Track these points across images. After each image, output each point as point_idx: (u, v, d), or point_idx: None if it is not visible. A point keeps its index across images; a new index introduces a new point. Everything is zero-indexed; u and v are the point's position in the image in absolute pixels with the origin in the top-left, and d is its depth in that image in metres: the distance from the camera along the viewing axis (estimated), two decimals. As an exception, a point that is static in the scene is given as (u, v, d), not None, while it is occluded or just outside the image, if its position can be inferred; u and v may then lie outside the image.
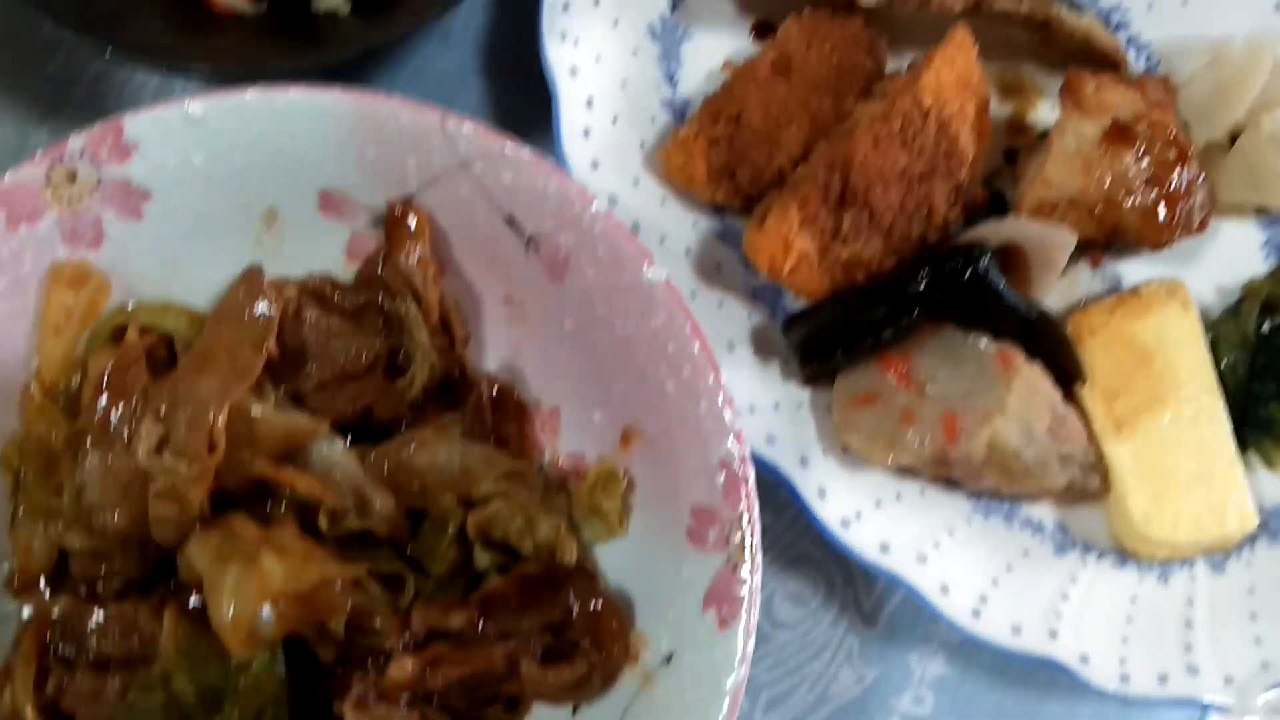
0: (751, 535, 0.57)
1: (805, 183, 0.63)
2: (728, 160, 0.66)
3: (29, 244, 0.61)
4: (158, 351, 0.63)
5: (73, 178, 0.61)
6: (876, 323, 0.63)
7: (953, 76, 0.65)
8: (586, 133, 0.67)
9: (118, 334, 0.64)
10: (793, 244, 0.62)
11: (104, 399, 0.61)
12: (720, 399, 0.58)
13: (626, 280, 0.60)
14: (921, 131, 0.64)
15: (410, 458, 0.61)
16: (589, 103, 0.67)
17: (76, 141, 0.60)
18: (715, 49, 0.73)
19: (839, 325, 0.64)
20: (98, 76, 0.74)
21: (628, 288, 0.61)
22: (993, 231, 0.64)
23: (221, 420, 0.58)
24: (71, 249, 0.62)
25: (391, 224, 0.64)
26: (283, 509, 0.59)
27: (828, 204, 0.63)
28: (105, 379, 0.61)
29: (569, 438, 0.65)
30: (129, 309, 0.64)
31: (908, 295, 0.63)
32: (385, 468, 0.61)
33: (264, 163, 0.63)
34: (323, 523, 0.58)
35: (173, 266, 0.65)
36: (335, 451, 0.61)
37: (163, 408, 0.59)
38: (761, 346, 0.66)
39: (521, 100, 0.74)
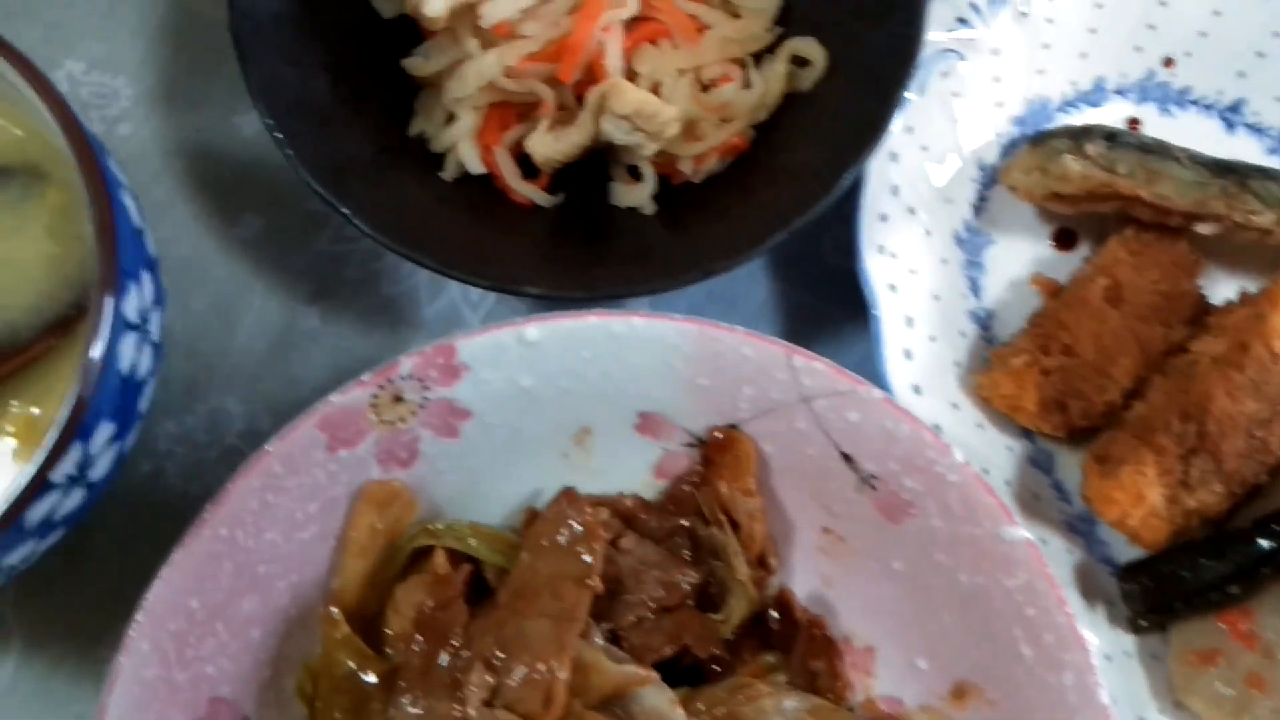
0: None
1: (1156, 431, 0.60)
2: (1060, 392, 0.63)
3: (346, 466, 0.58)
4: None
5: (398, 400, 0.58)
6: (1223, 577, 0.60)
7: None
8: (908, 354, 0.64)
9: (418, 553, 0.61)
10: (1146, 496, 0.59)
11: (420, 637, 0.57)
12: (1092, 677, 0.55)
13: (980, 534, 0.57)
14: (1271, 378, 0.61)
15: (739, 709, 0.58)
16: (909, 321, 0.64)
17: (406, 364, 0.57)
18: (1016, 255, 0.70)
19: (1181, 577, 0.61)
20: (368, 254, 0.70)
21: (980, 542, 0.57)
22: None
23: (563, 675, 0.54)
24: (384, 469, 0.59)
25: (714, 449, 0.61)
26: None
27: (1179, 454, 0.60)
28: (421, 615, 0.58)
29: (885, 680, 0.62)
30: (432, 528, 0.61)
31: (1259, 553, 0.60)
32: (713, 720, 0.57)
33: (590, 384, 0.60)
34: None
35: (476, 483, 0.62)
36: (662, 701, 0.57)
37: (492, 654, 0.56)
38: (1087, 587, 0.63)
39: (809, 303, 0.71)
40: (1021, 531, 0.57)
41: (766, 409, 0.60)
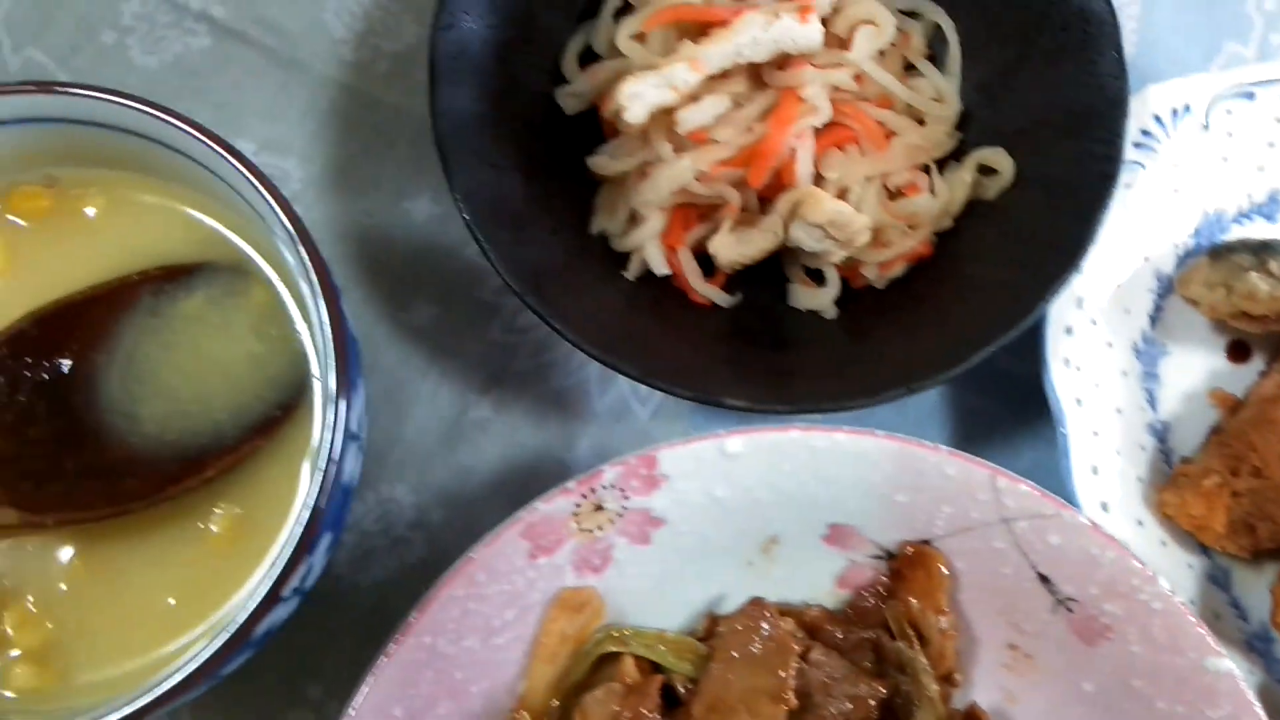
0: None
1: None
2: (1249, 514, 0.63)
3: (544, 573, 0.58)
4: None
5: (599, 509, 0.58)
6: None
7: None
8: (1095, 470, 0.63)
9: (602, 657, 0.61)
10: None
11: (616, 748, 0.57)
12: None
13: (1182, 664, 0.57)
14: None
15: (931, 833, 0.58)
16: (1095, 434, 0.64)
17: (610, 474, 0.57)
18: (1191, 367, 0.69)
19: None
20: (538, 345, 0.70)
21: (1182, 671, 0.57)
22: None
23: (769, 801, 0.54)
24: (578, 575, 0.59)
25: (904, 563, 0.61)
26: None
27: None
28: (616, 725, 0.57)
29: (1069, 801, 0.61)
30: (619, 634, 0.60)
31: None
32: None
33: (783, 496, 0.59)
34: None
35: (660, 588, 0.61)
36: (854, 821, 0.57)
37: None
38: (1269, 709, 0.62)
39: (979, 406, 0.71)
40: (1227, 662, 0.56)
41: (963, 527, 0.59)
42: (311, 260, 0.51)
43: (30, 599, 0.54)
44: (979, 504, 0.58)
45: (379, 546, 0.68)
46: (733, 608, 0.63)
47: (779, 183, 0.65)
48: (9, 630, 0.53)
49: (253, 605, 0.48)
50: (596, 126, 0.69)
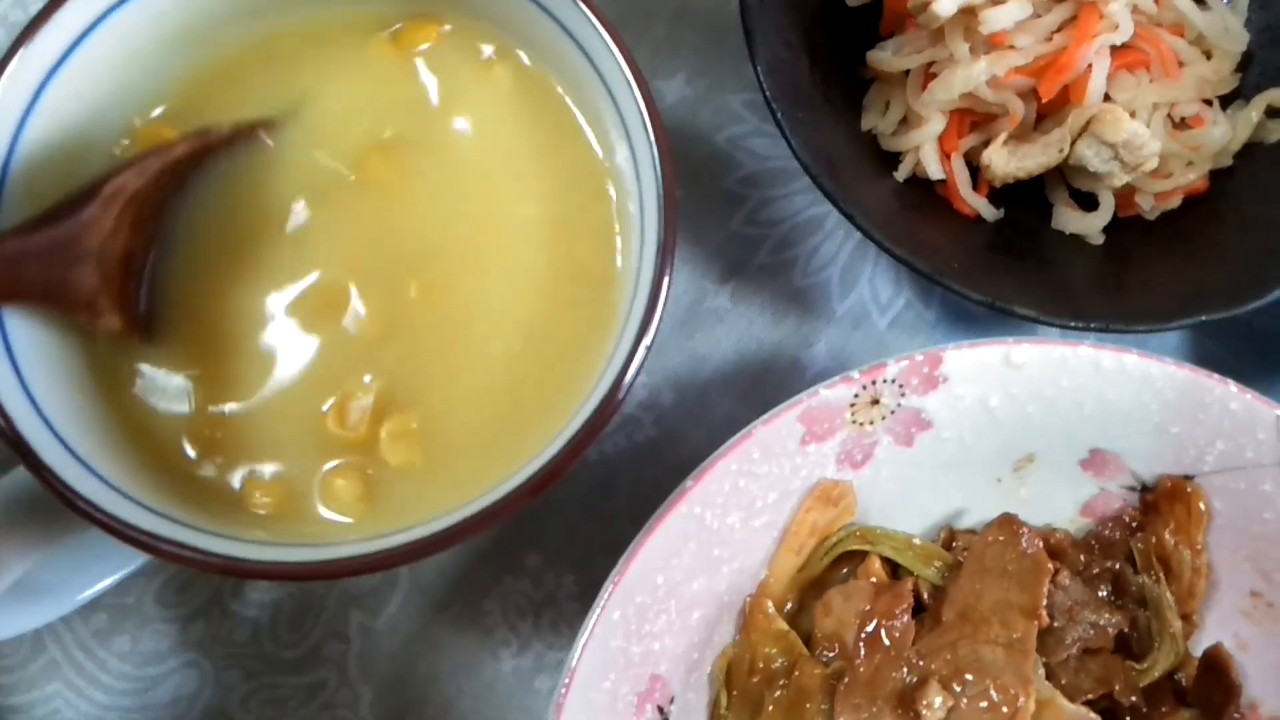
0: None
1: None
2: None
3: (810, 461, 0.57)
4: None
5: (874, 402, 0.57)
6: None
7: None
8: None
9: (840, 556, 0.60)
10: None
11: (864, 645, 0.56)
12: None
13: None
14: None
15: (1166, 763, 0.57)
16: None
17: (893, 369, 0.56)
18: None
19: None
20: (781, 241, 0.69)
21: None
22: None
23: (1030, 707, 0.54)
24: (839, 469, 0.58)
25: (1161, 497, 0.60)
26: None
27: None
28: (865, 622, 0.57)
29: (1291, 753, 0.61)
30: (866, 534, 0.60)
31: None
32: (1147, 770, 0.56)
33: (1053, 413, 0.58)
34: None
35: (906, 493, 0.60)
36: (1095, 745, 0.56)
37: (949, 674, 0.55)
38: None
39: (1219, 355, 0.69)
40: None
41: (1234, 465, 0.58)
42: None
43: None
44: (1257, 444, 0.57)
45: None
46: (969, 524, 0.62)
47: (1062, 98, 0.63)
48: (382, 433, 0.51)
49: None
50: (870, 23, 0.67)
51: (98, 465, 0.47)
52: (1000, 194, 0.66)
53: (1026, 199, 0.67)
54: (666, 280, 0.48)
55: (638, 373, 0.47)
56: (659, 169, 0.49)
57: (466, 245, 0.53)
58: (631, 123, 0.50)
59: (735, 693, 0.58)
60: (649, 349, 0.47)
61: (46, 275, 0.41)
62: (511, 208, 0.54)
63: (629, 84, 0.50)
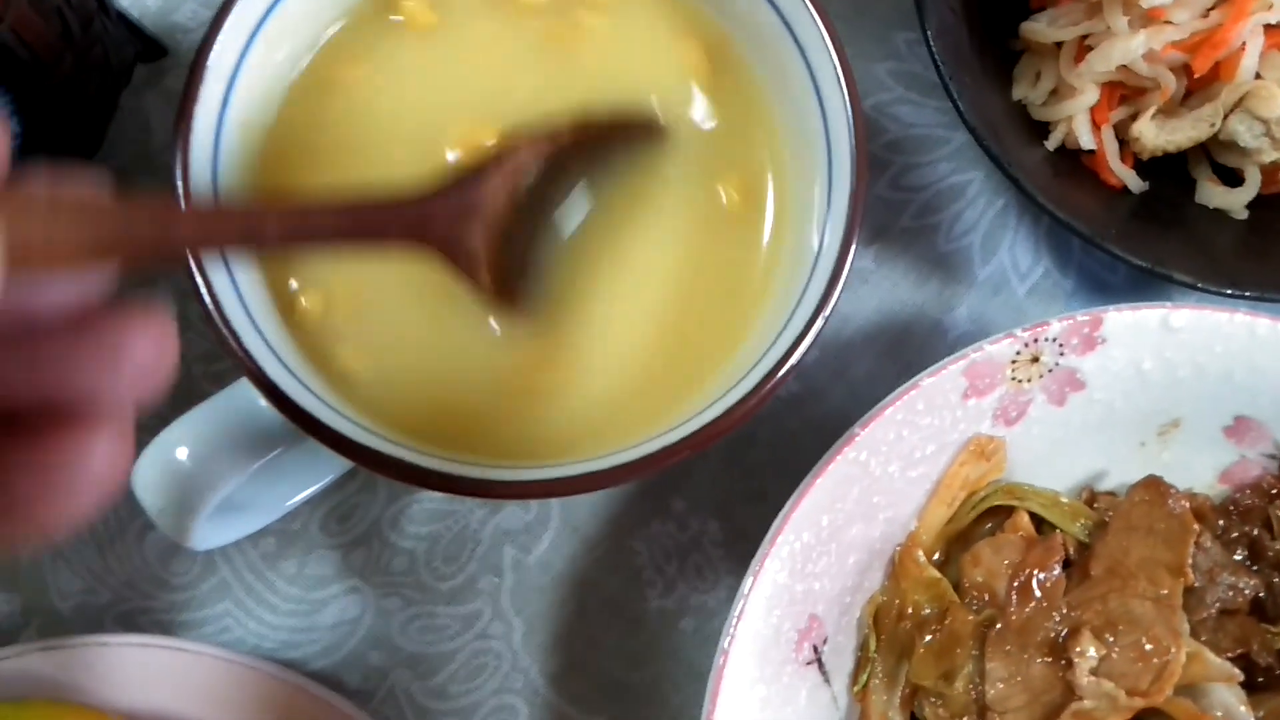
0: None
1: None
2: None
3: (969, 415, 0.59)
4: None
5: (1035, 360, 0.58)
6: None
7: None
8: None
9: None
10: None
11: (1015, 595, 0.58)
12: None
13: None
14: None
15: (1305, 722, 0.59)
16: None
17: (1056, 327, 0.58)
18: None
19: None
20: (924, 207, 0.71)
21: None
22: None
23: (1181, 659, 0.55)
24: (994, 424, 0.60)
25: (1303, 465, 0.62)
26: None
27: None
28: (1017, 574, 0.59)
29: None
30: (1015, 489, 0.61)
31: None
32: (1274, 724, 0.58)
33: (1205, 378, 0.60)
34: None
35: (1051, 452, 0.62)
36: (1233, 700, 0.58)
37: (1100, 625, 0.56)
38: None
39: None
40: None
41: (1380, 436, 0.60)
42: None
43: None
44: (1406, 415, 0.59)
45: (747, 376, 0.69)
46: (1110, 486, 0.64)
47: (1212, 75, 0.65)
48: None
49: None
50: (1018, -2, 0.69)
51: (311, 383, 0.50)
52: (1142, 167, 0.68)
53: (1167, 173, 0.68)
54: (851, 253, 0.51)
55: (813, 342, 0.50)
56: (852, 132, 0.51)
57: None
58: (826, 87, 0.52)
59: (884, 637, 0.60)
60: (826, 319, 0.50)
61: (448, 231, 0.44)
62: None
63: (825, 44, 0.52)
